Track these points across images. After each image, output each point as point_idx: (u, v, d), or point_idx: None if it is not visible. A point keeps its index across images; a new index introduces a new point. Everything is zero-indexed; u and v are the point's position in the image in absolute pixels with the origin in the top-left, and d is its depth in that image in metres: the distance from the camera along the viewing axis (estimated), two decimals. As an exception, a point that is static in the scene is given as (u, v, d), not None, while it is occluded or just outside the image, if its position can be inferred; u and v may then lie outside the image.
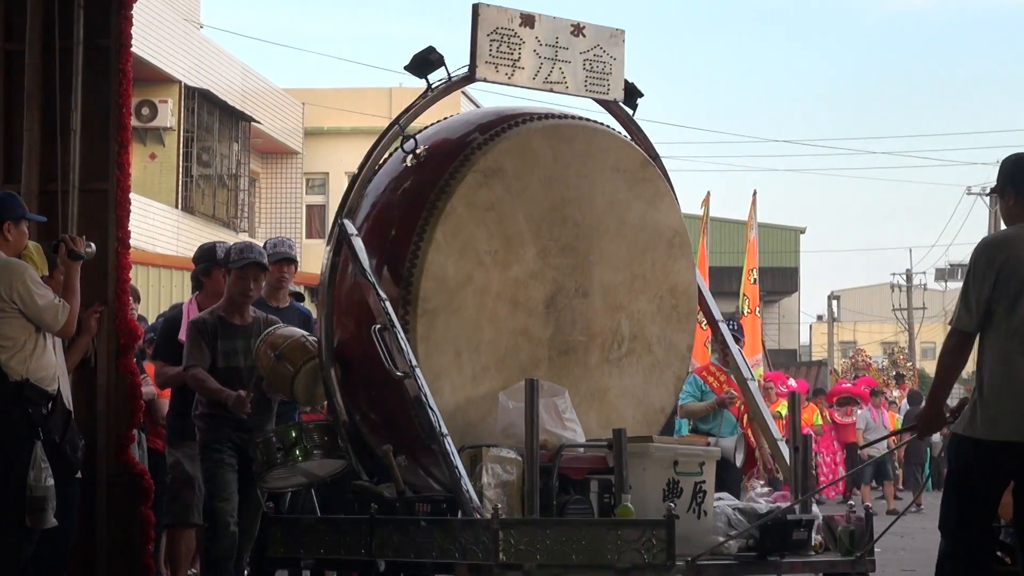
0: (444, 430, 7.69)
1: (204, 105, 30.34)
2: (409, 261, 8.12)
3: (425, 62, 8.40)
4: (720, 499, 8.38)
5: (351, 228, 8.37)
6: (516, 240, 8.41)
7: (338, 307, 8.48)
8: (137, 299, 10.89)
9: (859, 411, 26.36)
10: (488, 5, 8.41)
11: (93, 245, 8.23)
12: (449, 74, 8.47)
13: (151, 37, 26.55)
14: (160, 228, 27.94)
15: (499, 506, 7.41)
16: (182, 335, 9.47)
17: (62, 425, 7.79)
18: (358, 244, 8.28)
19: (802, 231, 54.74)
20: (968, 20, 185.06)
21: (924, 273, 71.18)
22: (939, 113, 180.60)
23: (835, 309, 66.51)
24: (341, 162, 38.06)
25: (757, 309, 21.65)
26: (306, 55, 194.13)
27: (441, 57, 8.39)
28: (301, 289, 11.14)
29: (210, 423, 8.81)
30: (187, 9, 30.77)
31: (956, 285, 71.40)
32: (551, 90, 8.73)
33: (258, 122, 33.17)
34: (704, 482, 8.06)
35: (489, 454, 7.73)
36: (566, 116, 8.82)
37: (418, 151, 8.42)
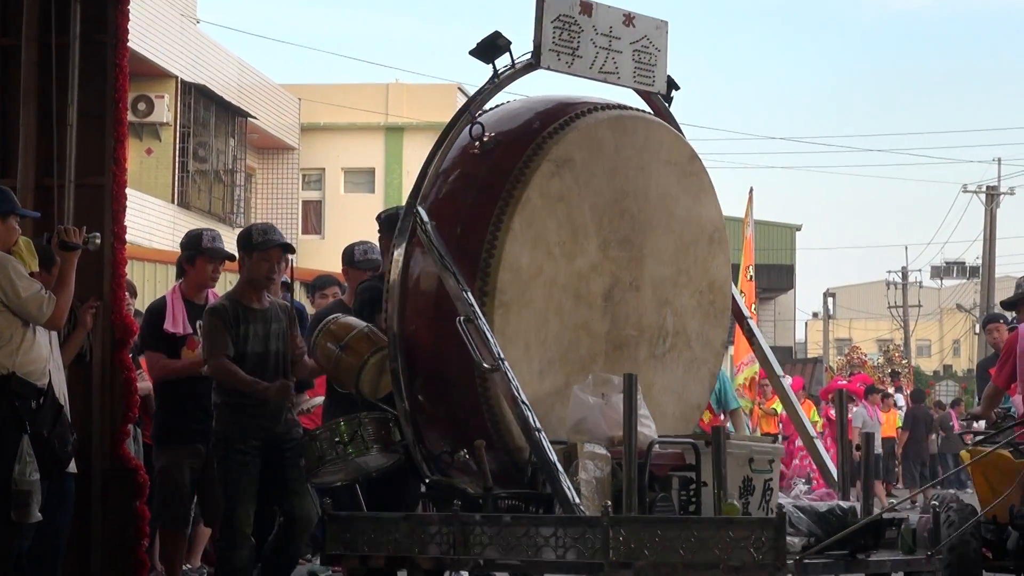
0: (538, 424, 7.51)
1: (200, 100, 30.35)
2: (486, 251, 7.93)
3: (492, 47, 8.18)
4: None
5: (425, 216, 8.11)
6: (581, 232, 8.28)
7: (407, 299, 8.19)
8: (133, 294, 10.89)
9: (855, 408, 26.38)
10: None
11: (98, 236, 8.14)
12: (513, 61, 8.27)
13: (148, 32, 26.57)
14: (156, 223, 27.97)
15: (609, 503, 7.23)
16: (167, 325, 9.33)
17: (51, 419, 7.72)
18: (436, 234, 8.03)
19: (798, 228, 54.77)
20: (965, 19, 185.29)
21: (920, 271, 71.79)
22: (936, 111, 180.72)
23: (830, 306, 66.66)
24: (337, 158, 38.17)
25: (753, 306, 21.66)
26: (303, 51, 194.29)
27: (508, 42, 8.17)
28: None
29: (232, 415, 8.44)
30: (184, 4, 30.76)
31: (951, 283, 71.74)
32: (605, 80, 8.60)
33: (254, 117, 33.19)
34: (772, 479, 8.02)
35: (584, 450, 7.57)
36: (623, 107, 8.72)
37: (484, 138, 8.20)
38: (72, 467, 8.00)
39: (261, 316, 8.56)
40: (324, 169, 38.39)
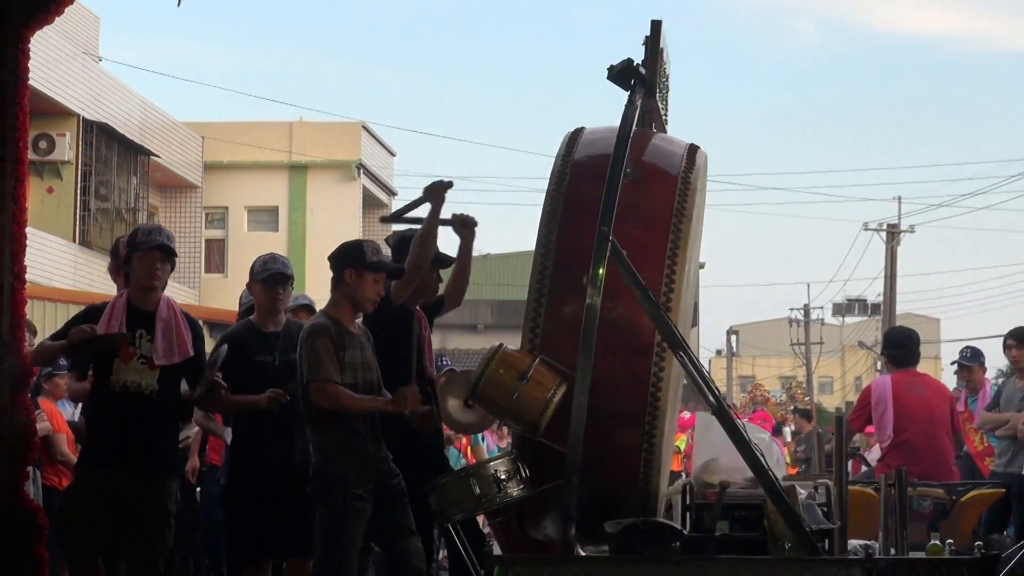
0: (767, 464, 7.30)
1: (102, 139, 30.13)
2: (666, 286, 7.58)
3: (631, 72, 7.81)
4: None
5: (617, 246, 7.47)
6: (690, 266, 7.99)
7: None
8: (34, 333, 10.79)
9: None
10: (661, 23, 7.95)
11: None
12: (635, 90, 7.86)
13: (49, 70, 26.37)
14: (57, 262, 27.69)
15: (875, 543, 7.20)
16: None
17: None
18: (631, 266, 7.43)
19: (701, 266, 55.23)
20: (863, 58, 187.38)
21: (822, 308, 72.19)
22: (836, 150, 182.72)
23: (734, 344, 67.19)
24: (241, 196, 38.01)
25: (656, 344, 21.78)
26: (206, 89, 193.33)
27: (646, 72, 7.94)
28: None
29: (346, 455, 7.92)
30: (86, 42, 30.56)
31: (853, 320, 72.56)
32: (663, 118, 8.31)
33: (157, 156, 33.00)
34: None
35: (800, 495, 7.42)
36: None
37: (628, 169, 7.63)
38: (-32, 510, 7.90)
39: (358, 342, 8.12)
40: (227, 208, 38.22)
